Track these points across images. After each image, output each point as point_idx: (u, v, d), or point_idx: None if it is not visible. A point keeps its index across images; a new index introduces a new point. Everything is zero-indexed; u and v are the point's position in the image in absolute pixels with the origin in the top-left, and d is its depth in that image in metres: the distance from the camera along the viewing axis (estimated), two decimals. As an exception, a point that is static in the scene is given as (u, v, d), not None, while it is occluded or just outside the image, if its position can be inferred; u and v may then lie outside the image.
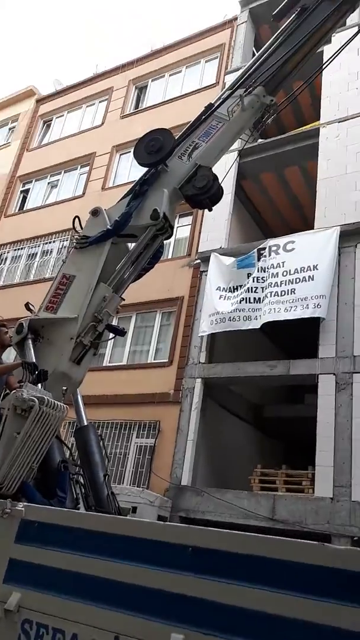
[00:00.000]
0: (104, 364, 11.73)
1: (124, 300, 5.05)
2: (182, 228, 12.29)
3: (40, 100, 19.48)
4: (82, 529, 2.69)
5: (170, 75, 15.99)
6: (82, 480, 4.38)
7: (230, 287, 10.33)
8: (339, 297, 9.11)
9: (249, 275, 10.18)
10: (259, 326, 9.66)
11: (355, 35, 6.22)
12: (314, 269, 9.37)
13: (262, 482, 9.24)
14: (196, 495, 9.04)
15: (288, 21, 5.41)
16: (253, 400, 12.00)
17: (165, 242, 5.56)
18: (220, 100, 5.43)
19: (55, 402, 3.70)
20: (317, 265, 9.35)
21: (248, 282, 10.07)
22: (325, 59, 6.41)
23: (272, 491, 8.86)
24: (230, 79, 10.74)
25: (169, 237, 5.39)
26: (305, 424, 8.81)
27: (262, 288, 9.86)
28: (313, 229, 10.17)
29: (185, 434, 9.73)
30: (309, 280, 9.34)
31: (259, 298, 9.82)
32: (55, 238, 15.09)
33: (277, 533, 7.97)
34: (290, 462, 9.57)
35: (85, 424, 4.92)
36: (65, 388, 4.44)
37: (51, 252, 15.14)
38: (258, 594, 2.02)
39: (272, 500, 8.39)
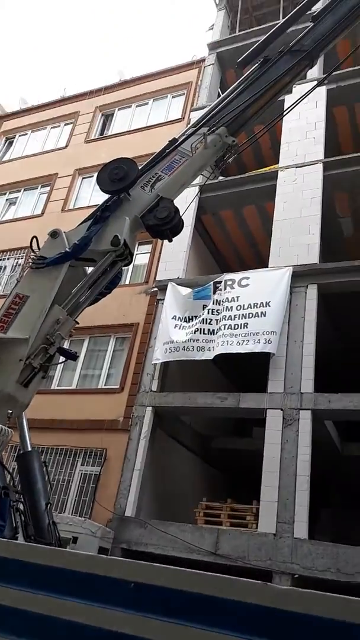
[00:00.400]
0: (52, 387, 11.45)
1: (77, 323, 5.00)
2: (141, 255, 12.37)
3: (4, 117, 19.40)
4: (17, 561, 2.57)
5: (137, 106, 16.34)
6: (22, 508, 4.22)
7: (185, 317, 10.43)
8: (289, 335, 9.35)
9: (204, 306, 10.32)
10: (211, 357, 9.75)
11: (313, 89, 6.63)
12: (266, 306, 9.61)
13: (207, 516, 9.16)
14: (140, 527, 8.85)
15: (252, 69, 5.70)
16: (202, 432, 11.99)
17: (123, 267, 5.59)
18: (185, 136, 5.62)
19: None
20: (269, 302, 9.61)
21: (203, 314, 10.20)
22: (285, 108, 6.76)
23: (217, 525, 8.79)
24: (195, 116, 11.12)
25: (128, 264, 5.43)
26: (253, 457, 8.87)
27: (217, 320, 10.01)
28: (267, 267, 10.48)
29: (132, 463, 9.57)
30: (261, 316, 9.56)
31: (213, 330, 9.95)
32: (9, 255, 14.83)
33: (219, 568, 7.89)
34: (237, 496, 9.55)
35: (29, 449, 4.78)
36: (10, 411, 4.30)
37: (4, 269, 14.85)
38: (195, 633, 1.98)
39: (216, 534, 8.32)
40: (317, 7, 6.53)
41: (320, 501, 9.75)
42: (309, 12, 6.19)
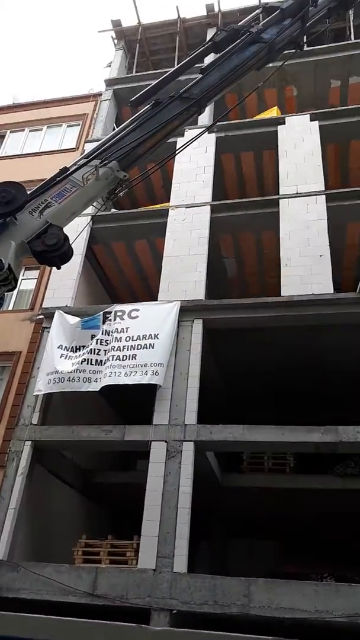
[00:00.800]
0: None
1: None
2: (27, 281, 11.95)
3: None
4: None
5: (30, 131, 16.07)
6: None
7: (72, 347, 10.18)
8: (176, 367, 9.54)
9: (92, 336, 10.18)
10: (98, 389, 9.58)
11: (199, 135, 7.09)
12: (155, 338, 9.75)
13: (86, 554, 8.80)
14: (12, 570, 8.22)
15: (144, 109, 5.94)
16: (84, 466, 11.61)
17: (6, 292, 5.36)
18: (76, 165, 5.65)
19: None
20: (158, 334, 9.76)
21: (91, 344, 10.05)
22: (176, 149, 7.12)
23: (96, 563, 8.47)
24: (89, 147, 11.19)
25: (12, 289, 5.22)
26: (136, 491, 8.75)
27: (105, 351, 9.90)
28: (156, 300, 10.69)
29: (6, 502, 8.93)
30: (149, 348, 9.66)
31: (101, 360, 9.82)
32: None
33: (96, 609, 7.57)
34: (119, 531, 9.34)
35: None
36: None
37: None
38: None
39: (94, 573, 7.99)
40: (208, 59, 7.05)
41: (200, 533, 9.86)
42: (199, 65, 6.63)
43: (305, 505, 11.87)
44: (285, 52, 7.56)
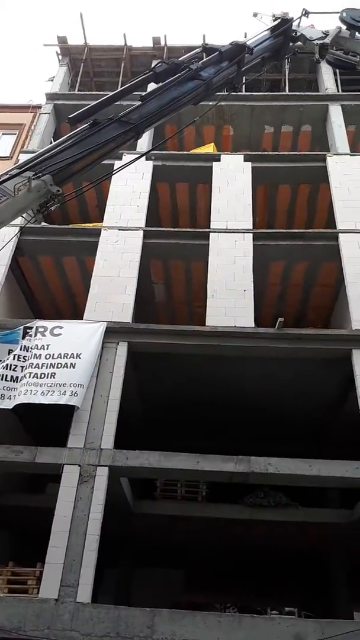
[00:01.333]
0: None
1: None
2: None
3: None
4: None
5: None
6: None
7: (-13, 361, 9.71)
8: (96, 389, 9.38)
9: (10, 351, 9.78)
10: (11, 407, 9.17)
11: (135, 160, 7.24)
12: (76, 357, 9.55)
13: (-17, 583, 8.26)
14: None
15: (81, 127, 5.96)
16: (-11, 488, 10.98)
17: None
18: (8, 175, 5.53)
19: None
20: (80, 354, 9.58)
21: (8, 359, 9.64)
22: (112, 171, 7.18)
23: (-6, 593, 7.97)
24: (23, 157, 10.98)
25: None
26: (44, 516, 8.39)
27: (22, 367, 9.54)
28: (82, 319, 10.53)
29: None
30: (70, 367, 9.44)
31: (17, 377, 9.43)
32: None
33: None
34: (22, 558, 8.85)
35: None
36: None
37: None
38: None
39: (-9, 604, 7.51)
40: (151, 86, 7.24)
41: (107, 561, 9.61)
42: (138, 92, 6.78)
43: (215, 535, 11.97)
44: (223, 93, 7.96)
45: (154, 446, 9.18)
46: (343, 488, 10.81)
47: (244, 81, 13.13)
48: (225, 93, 8.03)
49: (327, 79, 15.75)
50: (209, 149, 14.00)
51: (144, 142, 12.71)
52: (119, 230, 11.85)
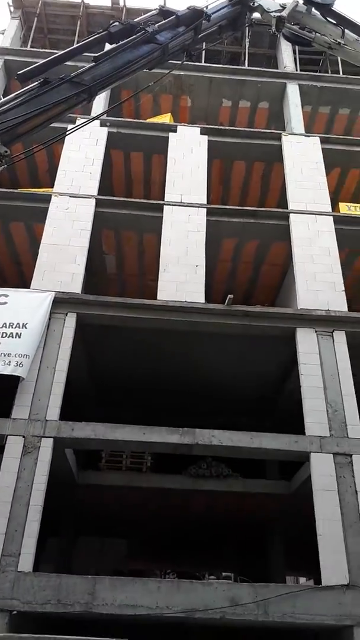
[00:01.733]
0: None
1: None
2: None
3: None
4: None
5: None
6: None
7: None
8: (42, 360, 9.21)
9: None
10: None
11: (90, 120, 7.02)
12: (22, 327, 9.31)
13: None
14: None
15: (31, 86, 5.67)
16: None
17: None
18: None
19: None
20: (26, 324, 9.35)
21: None
22: (65, 132, 6.87)
23: None
24: (-28, 117, 10.38)
25: None
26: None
27: (-35, 336, 9.21)
28: (29, 288, 10.24)
29: None
30: (15, 337, 9.21)
31: None
32: None
33: None
34: None
35: None
36: None
37: None
38: None
39: None
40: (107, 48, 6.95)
41: (50, 530, 9.64)
42: (90, 54, 6.50)
43: (158, 505, 12.24)
44: (178, 62, 7.78)
45: (103, 418, 9.17)
46: (283, 461, 11.25)
47: (202, 48, 12.89)
48: (179, 62, 7.83)
49: (287, 57, 15.72)
50: (166, 119, 13.73)
51: (100, 107, 12.29)
52: (70, 197, 11.49)
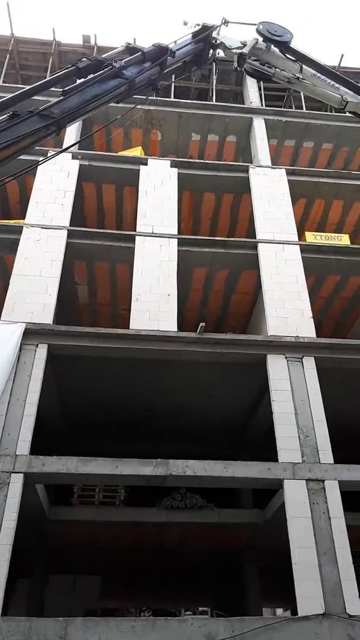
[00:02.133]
0: None
1: None
2: None
3: None
4: None
5: None
6: None
7: None
8: (12, 393, 9.04)
9: None
10: None
11: (60, 152, 7.13)
12: (-8, 360, 9.17)
13: None
14: None
15: (0, 118, 5.76)
16: None
17: None
18: None
19: None
20: (-4, 356, 9.20)
21: None
22: (36, 163, 6.96)
23: None
24: None
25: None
26: None
27: None
28: (-1, 319, 10.14)
29: None
30: (-16, 370, 9.04)
31: None
32: None
33: None
34: None
35: None
36: None
37: None
38: None
39: None
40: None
41: (19, 571, 9.30)
42: (58, 89, 6.66)
43: (131, 539, 11.97)
44: (144, 97, 8.03)
45: (74, 450, 9.00)
46: (257, 489, 11.20)
47: (170, 82, 13.25)
48: (145, 97, 8.10)
49: (252, 93, 16.36)
50: (137, 152, 14.02)
51: (71, 141, 12.49)
52: (42, 228, 11.52)
